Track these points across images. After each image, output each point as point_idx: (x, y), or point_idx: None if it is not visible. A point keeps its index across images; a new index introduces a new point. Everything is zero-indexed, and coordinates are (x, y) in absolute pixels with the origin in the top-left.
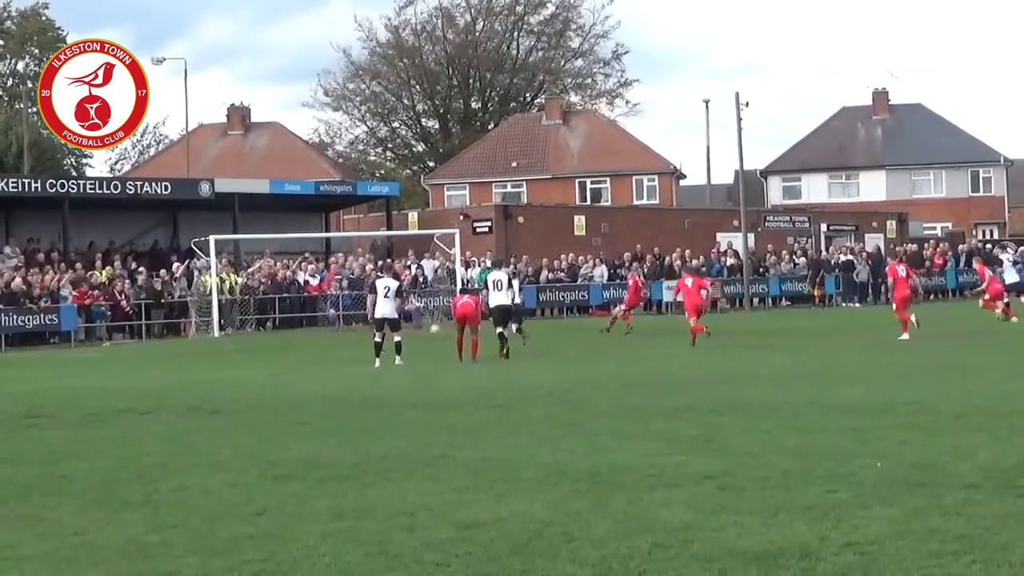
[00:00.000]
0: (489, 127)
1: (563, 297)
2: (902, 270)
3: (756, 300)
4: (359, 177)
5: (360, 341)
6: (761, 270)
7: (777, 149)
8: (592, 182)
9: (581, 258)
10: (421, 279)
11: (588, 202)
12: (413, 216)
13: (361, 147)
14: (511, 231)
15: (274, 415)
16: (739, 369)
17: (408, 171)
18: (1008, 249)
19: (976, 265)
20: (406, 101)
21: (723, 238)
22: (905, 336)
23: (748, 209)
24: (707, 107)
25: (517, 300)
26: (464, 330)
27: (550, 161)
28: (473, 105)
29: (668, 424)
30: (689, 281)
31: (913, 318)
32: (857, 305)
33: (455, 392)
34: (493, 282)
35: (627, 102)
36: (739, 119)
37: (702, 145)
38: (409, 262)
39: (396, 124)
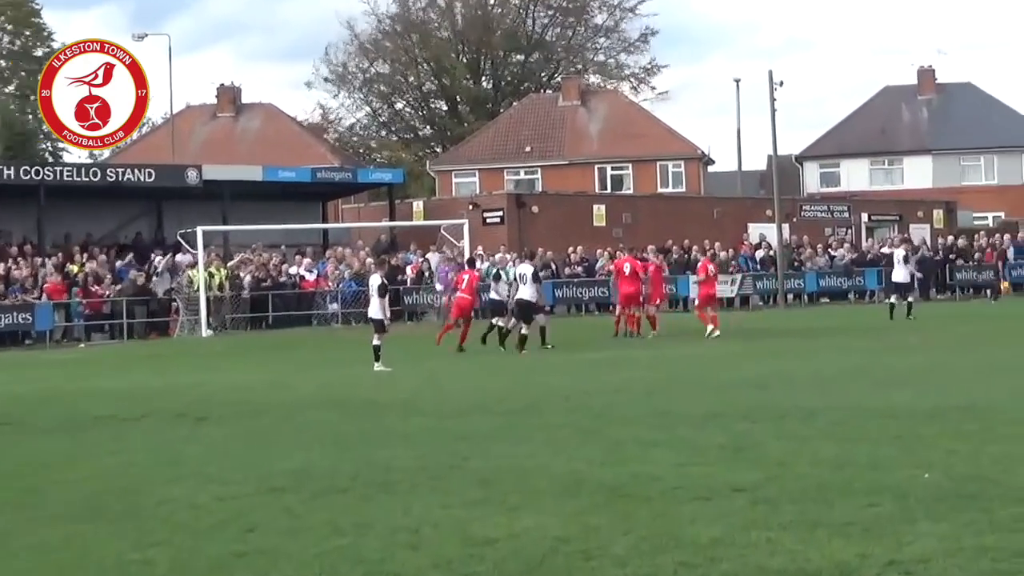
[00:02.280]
0: (501, 109)
1: (581, 293)
2: (627, 267)
3: (791, 296)
4: (359, 163)
5: (360, 342)
6: (796, 264)
7: (818, 132)
8: (612, 168)
9: (599, 251)
10: (427, 273)
11: (608, 190)
12: (418, 205)
13: (362, 131)
14: (524, 222)
15: (267, 422)
16: (773, 372)
17: (413, 157)
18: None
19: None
20: (412, 80)
21: (755, 229)
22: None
23: (782, 197)
24: (737, 86)
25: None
26: (458, 320)
27: (567, 146)
28: (484, 85)
29: (696, 432)
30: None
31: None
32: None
33: (464, 397)
34: (519, 275)
35: (653, 88)
36: (772, 100)
37: (734, 128)
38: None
39: (400, 105)
